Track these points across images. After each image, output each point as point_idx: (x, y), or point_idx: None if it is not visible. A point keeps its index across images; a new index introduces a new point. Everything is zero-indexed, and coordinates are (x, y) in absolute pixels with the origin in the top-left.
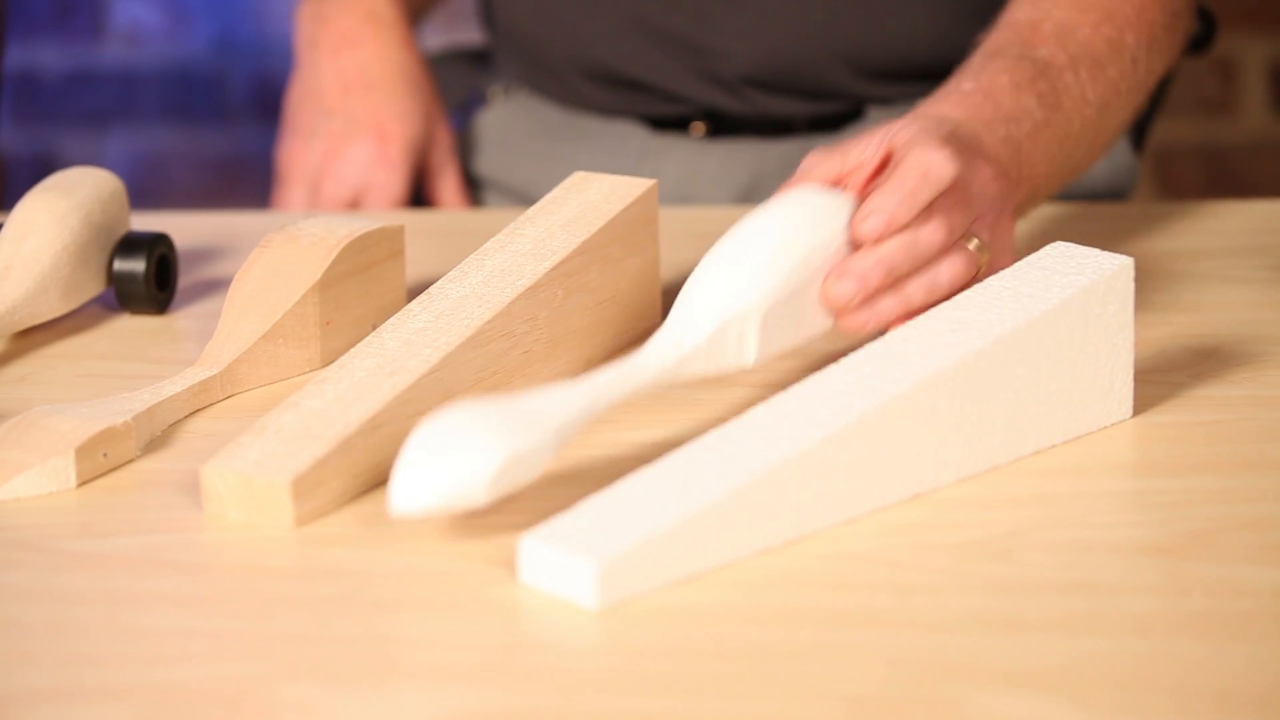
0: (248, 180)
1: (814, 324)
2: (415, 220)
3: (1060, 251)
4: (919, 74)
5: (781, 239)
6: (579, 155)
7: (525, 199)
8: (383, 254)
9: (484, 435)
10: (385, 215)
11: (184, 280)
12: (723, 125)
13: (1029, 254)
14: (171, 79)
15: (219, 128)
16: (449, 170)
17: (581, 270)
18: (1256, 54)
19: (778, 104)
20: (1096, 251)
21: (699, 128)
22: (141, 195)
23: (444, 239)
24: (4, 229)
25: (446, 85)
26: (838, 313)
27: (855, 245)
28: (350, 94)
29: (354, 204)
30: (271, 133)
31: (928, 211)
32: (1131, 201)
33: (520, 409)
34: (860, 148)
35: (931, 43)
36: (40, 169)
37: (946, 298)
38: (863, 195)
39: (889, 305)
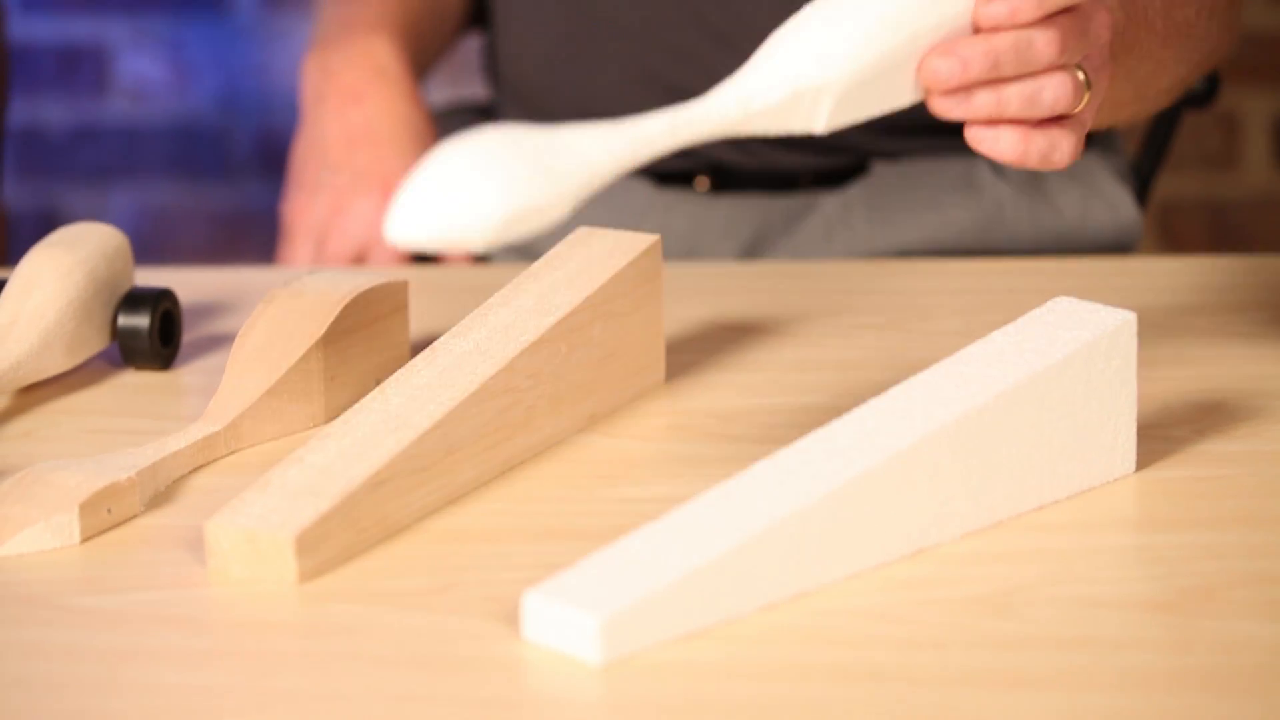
0: (252, 236)
1: (900, 97)
2: (419, 276)
3: (1063, 306)
4: (924, 127)
5: (888, 10)
6: (583, 210)
7: (529, 254)
8: (387, 309)
9: (500, 178)
10: (389, 271)
11: (188, 336)
12: (727, 180)
13: (1032, 309)
14: (176, 134)
15: (223, 183)
16: None
17: (585, 325)
18: (1259, 109)
19: (783, 157)
20: (1099, 306)
21: (703, 182)
22: (146, 251)
23: (448, 295)
24: (9, 284)
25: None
26: (930, 91)
27: (974, 28)
28: (356, 148)
29: (359, 258)
30: (276, 188)
31: (1048, 21)
32: (1135, 256)
33: (551, 147)
34: None
35: None
36: (45, 224)
37: (1045, 115)
38: None
39: (983, 100)
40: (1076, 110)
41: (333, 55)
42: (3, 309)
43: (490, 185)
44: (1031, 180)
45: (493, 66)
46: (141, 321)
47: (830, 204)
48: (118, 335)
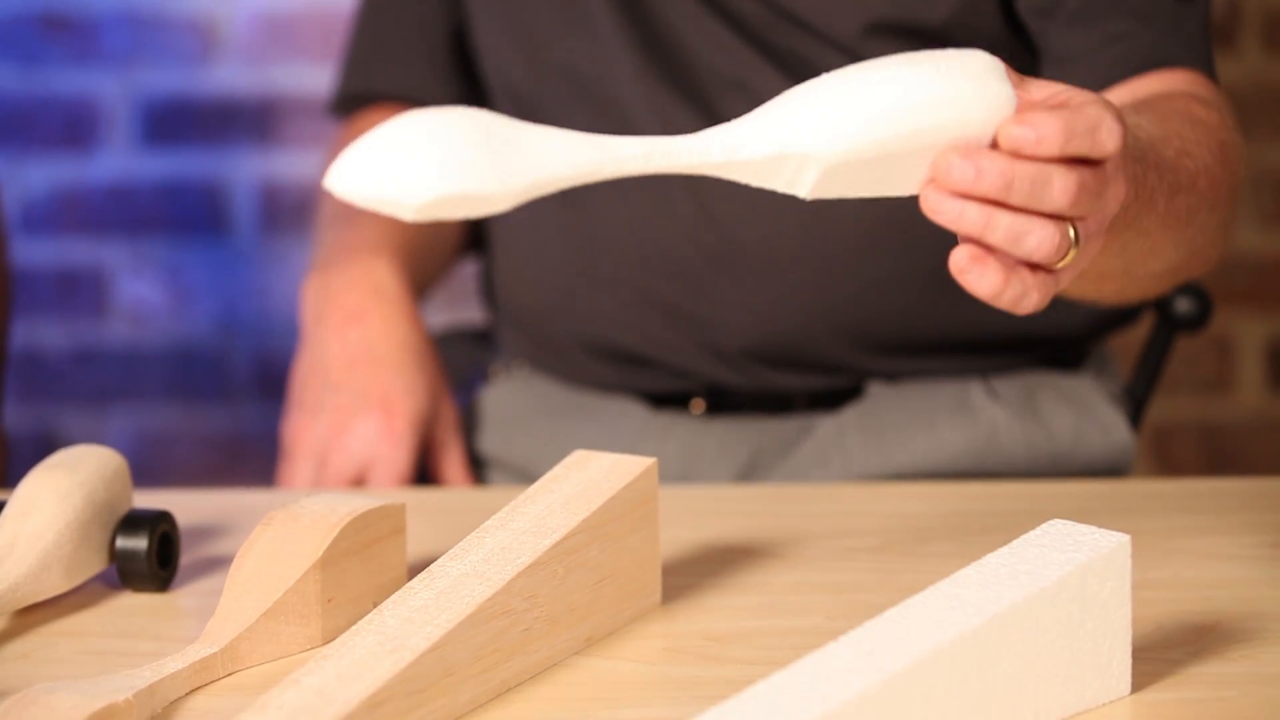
0: (250, 459)
1: (891, 185)
2: (417, 498)
3: (1057, 529)
4: (920, 347)
5: (898, 105)
6: (580, 433)
7: (527, 477)
8: (384, 532)
9: (446, 157)
10: (387, 493)
11: (186, 558)
12: (723, 402)
13: (1027, 531)
14: (175, 358)
15: (222, 407)
16: (453, 446)
17: (582, 548)
18: (1253, 333)
19: (779, 378)
20: (1094, 529)
21: (699, 405)
22: (144, 473)
23: (445, 517)
24: (8, 506)
25: (449, 363)
26: (932, 184)
27: (992, 144)
28: (356, 369)
29: (359, 478)
30: (274, 412)
31: (1071, 168)
32: (1129, 478)
33: (515, 140)
34: (1046, 84)
35: (934, 318)
36: (43, 447)
37: (1021, 257)
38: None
39: (973, 217)
40: (1055, 265)
41: (333, 277)
42: (1, 531)
43: (433, 161)
44: (1025, 403)
45: (490, 290)
46: (139, 544)
47: (825, 427)
48: (116, 557)
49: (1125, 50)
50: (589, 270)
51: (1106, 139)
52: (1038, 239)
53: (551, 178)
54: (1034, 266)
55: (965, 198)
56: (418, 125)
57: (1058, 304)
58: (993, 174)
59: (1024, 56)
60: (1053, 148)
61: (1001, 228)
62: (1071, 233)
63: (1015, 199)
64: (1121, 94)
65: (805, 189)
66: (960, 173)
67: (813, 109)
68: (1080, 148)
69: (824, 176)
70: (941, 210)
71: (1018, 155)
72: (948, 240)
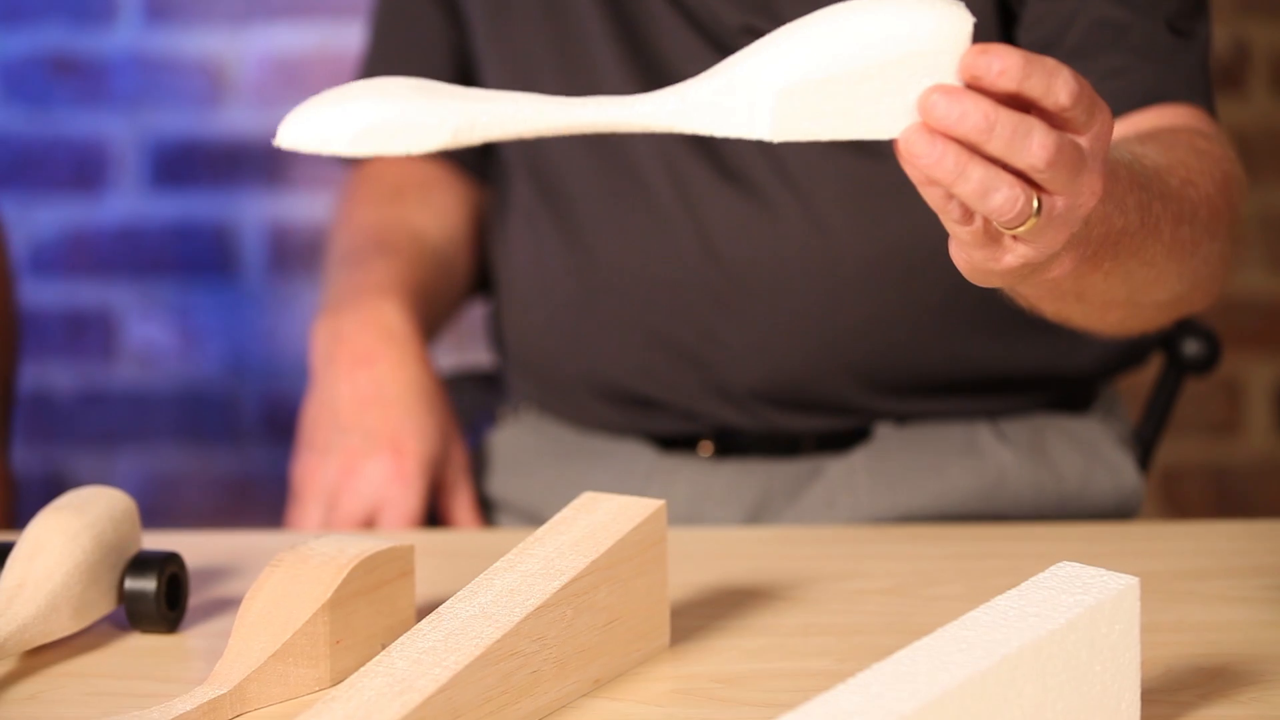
0: (258, 501)
1: (857, 123)
2: (426, 540)
3: (1066, 571)
4: (929, 388)
5: (846, 23)
6: (588, 476)
7: (535, 519)
8: (393, 573)
9: (381, 93)
10: (397, 535)
11: (194, 599)
12: (731, 444)
13: (1035, 574)
14: (183, 400)
15: (230, 448)
16: (463, 488)
17: (590, 590)
18: (1261, 376)
19: (787, 419)
20: (1102, 571)
21: (707, 447)
22: (153, 514)
23: (454, 559)
24: (16, 547)
25: (457, 406)
26: (921, 123)
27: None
28: (366, 410)
29: (369, 520)
30: (282, 454)
31: (1056, 128)
32: (1137, 521)
33: (460, 90)
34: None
35: (940, 356)
36: (52, 489)
37: (984, 212)
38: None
39: (950, 161)
40: (1013, 230)
41: (343, 319)
42: (10, 572)
43: (369, 96)
44: (1034, 445)
45: (498, 332)
46: (148, 585)
47: (834, 469)
48: (124, 598)
49: (1126, 85)
50: (596, 313)
51: (1061, 88)
52: (1004, 196)
53: (492, 119)
54: (991, 231)
55: (943, 139)
56: (358, 83)
57: (1066, 345)
58: (976, 115)
59: None
60: (1011, 81)
61: (974, 179)
62: (1035, 203)
63: (994, 145)
64: (1123, 128)
65: (766, 124)
66: (944, 110)
67: (761, 43)
68: (1037, 88)
69: (781, 106)
70: (919, 152)
71: (977, 87)
72: (950, 271)
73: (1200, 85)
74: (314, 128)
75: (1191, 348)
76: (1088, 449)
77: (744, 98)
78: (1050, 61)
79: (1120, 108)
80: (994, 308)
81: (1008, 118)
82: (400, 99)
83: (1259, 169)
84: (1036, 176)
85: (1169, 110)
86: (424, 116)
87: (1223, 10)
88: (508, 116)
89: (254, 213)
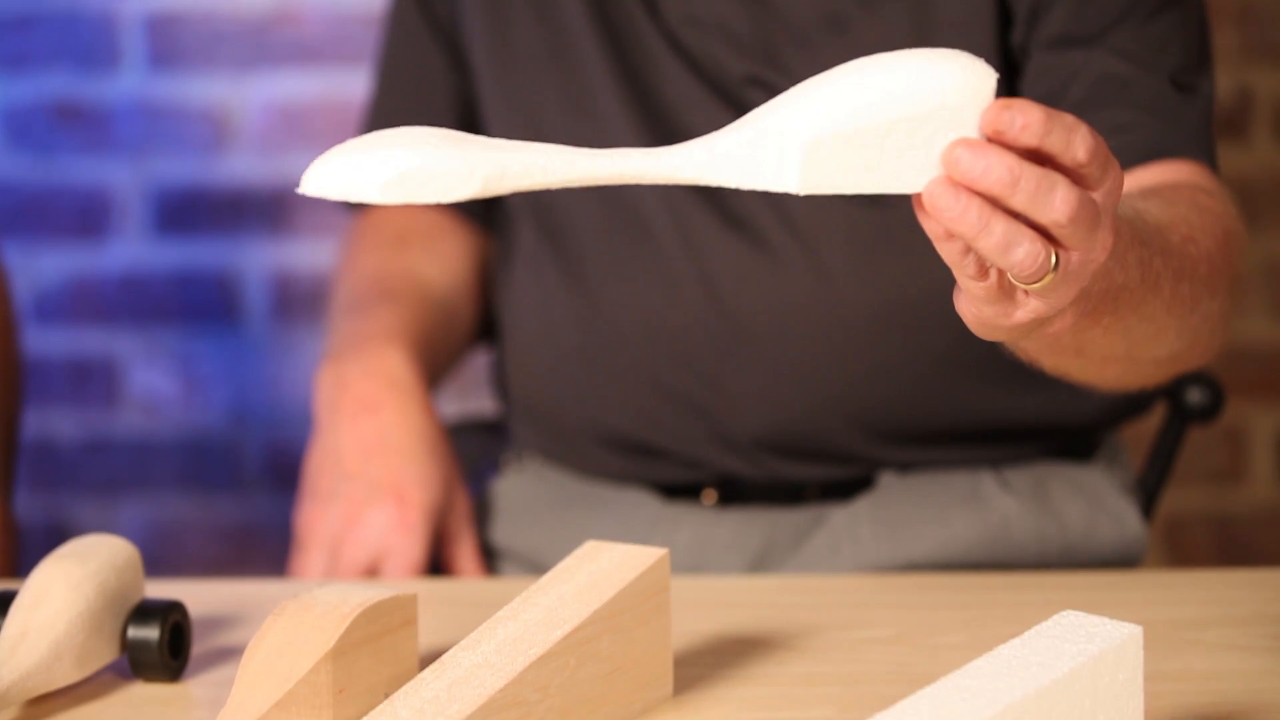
0: (261, 549)
1: (882, 178)
2: (429, 589)
3: (1069, 620)
4: (932, 437)
5: (875, 78)
6: (591, 524)
7: (539, 567)
8: (396, 623)
9: (411, 142)
10: (400, 583)
11: (197, 648)
12: (734, 493)
13: (1038, 622)
14: (186, 448)
15: (233, 497)
16: (466, 537)
17: (593, 639)
18: (1265, 424)
19: (790, 468)
20: (1106, 620)
21: (710, 495)
22: (156, 563)
23: (457, 608)
24: (19, 596)
25: (460, 454)
26: (945, 176)
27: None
28: (370, 458)
29: (373, 568)
30: (285, 502)
31: (1075, 184)
32: (1141, 569)
33: (486, 140)
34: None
35: (944, 406)
36: (55, 537)
37: (1005, 268)
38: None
39: (973, 215)
40: (1027, 285)
41: (347, 366)
42: (13, 620)
43: (398, 145)
44: (1037, 493)
45: (502, 380)
46: (151, 634)
47: (837, 518)
48: (127, 647)
49: (1130, 140)
50: (599, 360)
51: (1079, 144)
52: (1026, 251)
53: (522, 169)
54: (1005, 286)
55: (966, 192)
56: (384, 131)
57: (1069, 394)
58: (1001, 169)
59: None
60: (1033, 136)
61: (997, 233)
62: (1053, 259)
63: (1018, 200)
64: (1127, 183)
65: (793, 178)
66: (969, 164)
67: (786, 96)
68: (1057, 144)
69: (808, 159)
70: (944, 206)
71: (1000, 141)
72: (954, 321)
73: (1203, 141)
74: (343, 175)
75: (1195, 396)
76: (1091, 497)
77: (771, 150)
78: (1069, 117)
79: (1124, 163)
80: (997, 358)
81: (1032, 173)
82: (430, 148)
83: (1261, 216)
84: (1057, 232)
85: (1172, 166)
86: (454, 166)
87: (1225, 58)
88: (537, 167)
89: (257, 260)
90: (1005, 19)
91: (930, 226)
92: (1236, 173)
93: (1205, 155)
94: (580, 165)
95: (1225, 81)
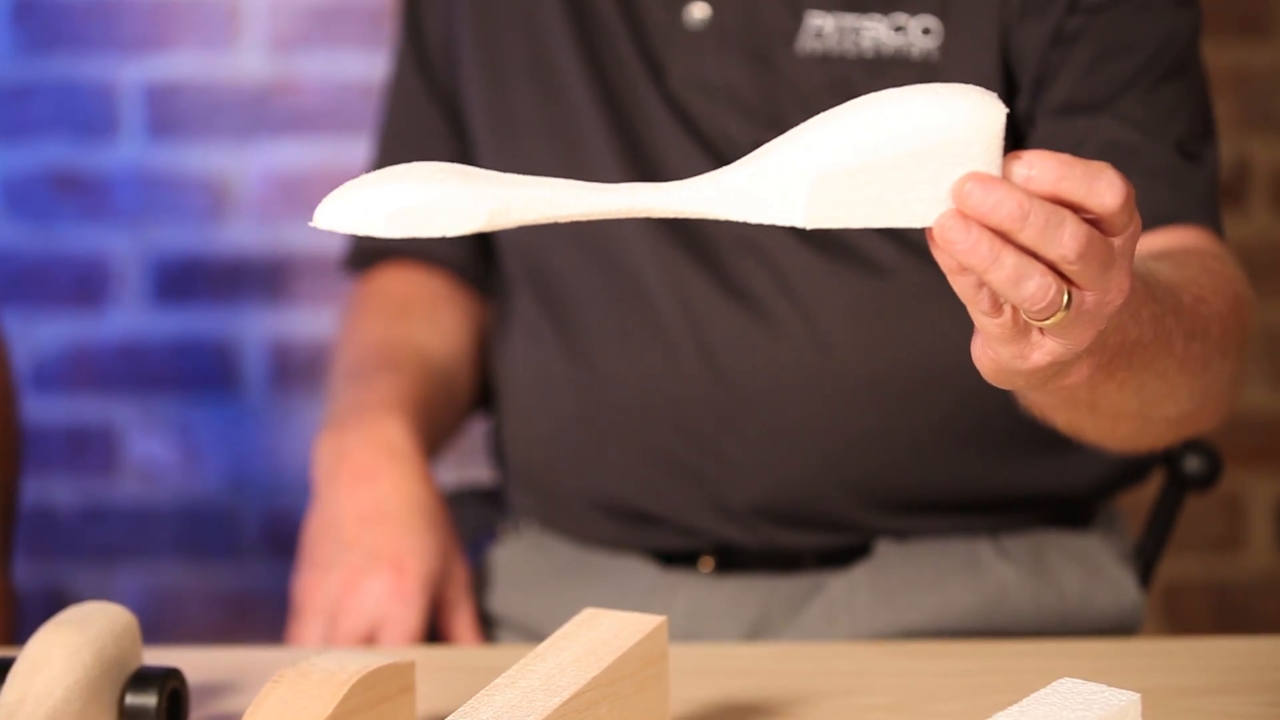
0: (259, 617)
1: (890, 212)
2: (427, 656)
3: (1067, 688)
4: (929, 505)
5: (880, 113)
6: (589, 592)
7: (536, 635)
8: (394, 690)
9: (417, 176)
10: (397, 651)
11: (195, 715)
12: (731, 560)
13: (1037, 690)
14: (184, 516)
15: (231, 565)
16: (464, 606)
17: (591, 706)
18: (1262, 492)
19: (787, 536)
20: (1104, 687)
21: (707, 563)
22: (154, 630)
23: (455, 675)
24: (17, 663)
25: (458, 522)
26: (955, 209)
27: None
28: (368, 527)
29: (370, 637)
30: (283, 570)
31: (1083, 222)
32: (1139, 637)
33: (494, 174)
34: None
35: (941, 474)
36: (53, 604)
37: (1016, 302)
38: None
39: (984, 249)
40: (1042, 322)
41: (346, 435)
42: (10, 687)
43: (404, 177)
44: (1035, 561)
45: (499, 448)
46: (149, 701)
47: (835, 586)
48: (125, 715)
49: (1138, 206)
50: (597, 428)
51: (1106, 190)
52: (1036, 284)
53: (528, 203)
54: (1020, 324)
55: (977, 227)
56: (393, 166)
57: (1066, 463)
58: (1010, 204)
59: None
60: (1043, 184)
61: (1007, 265)
62: (1065, 296)
63: (1027, 235)
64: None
65: (800, 212)
66: (979, 198)
67: (794, 132)
68: (1074, 190)
69: (815, 193)
70: (954, 238)
71: (1016, 192)
72: (951, 390)
73: (1210, 208)
74: (350, 209)
75: (1192, 464)
76: (1089, 565)
77: (779, 185)
78: (1093, 164)
79: None
80: (994, 426)
81: (1040, 208)
82: (437, 182)
83: (1260, 285)
84: (1066, 268)
85: (1179, 232)
86: (460, 199)
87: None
88: (543, 201)
89: (256, 329)
90: (1011, 87)
91: (943, 260)
92: (1234, 242)
93: (1212, 222)
94: (587, 199)
95: (1223, 151)
